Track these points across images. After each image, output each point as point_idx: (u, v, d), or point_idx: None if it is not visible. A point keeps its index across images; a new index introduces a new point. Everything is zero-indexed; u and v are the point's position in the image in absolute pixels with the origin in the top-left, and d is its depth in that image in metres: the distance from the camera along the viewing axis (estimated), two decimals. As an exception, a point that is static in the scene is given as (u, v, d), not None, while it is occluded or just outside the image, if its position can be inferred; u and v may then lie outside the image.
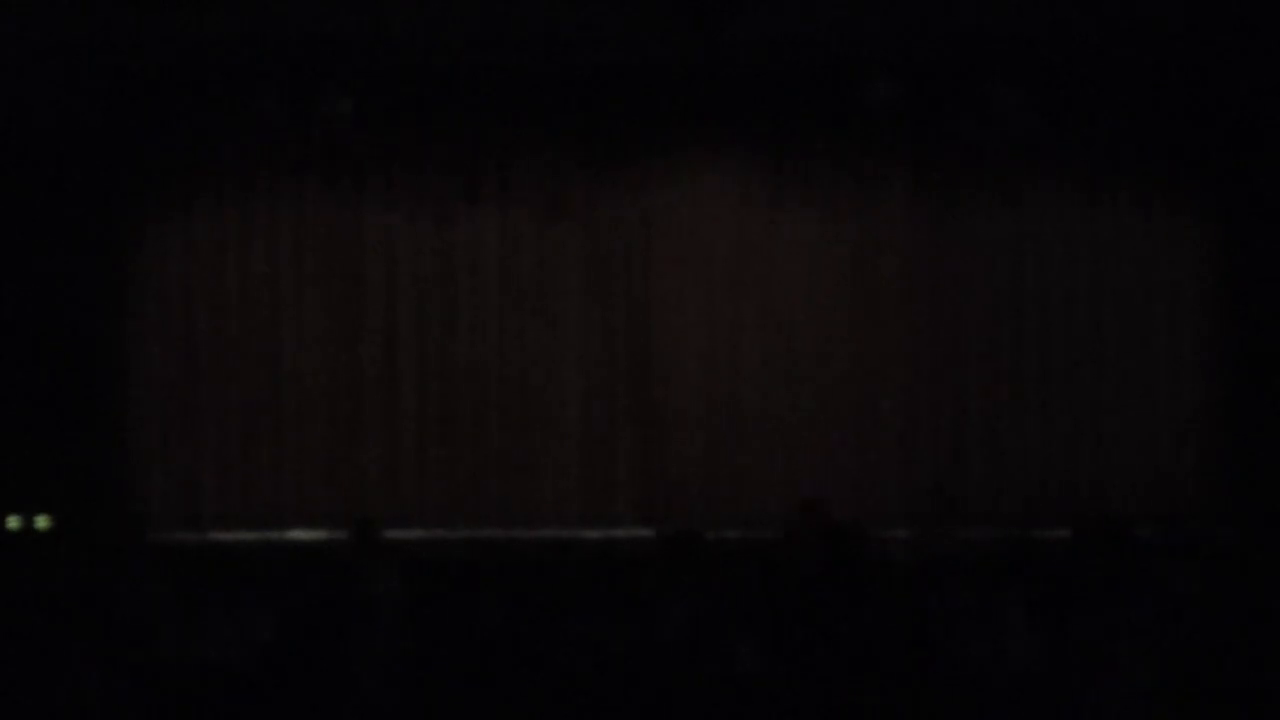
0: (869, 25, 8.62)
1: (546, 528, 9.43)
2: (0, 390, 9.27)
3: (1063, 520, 8.14)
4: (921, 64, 9.22)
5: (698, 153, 9.77)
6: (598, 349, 9.76)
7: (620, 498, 9.68)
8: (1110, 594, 5.07)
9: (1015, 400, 9.72)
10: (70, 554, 8.04)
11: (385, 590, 5.99)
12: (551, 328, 9.76)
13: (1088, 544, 5.96)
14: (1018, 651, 4.50)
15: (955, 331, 9.73)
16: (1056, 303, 9.75)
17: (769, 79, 9.50)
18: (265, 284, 9.77)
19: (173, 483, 9.64)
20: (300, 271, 9.78)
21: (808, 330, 9.74)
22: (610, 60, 9.27)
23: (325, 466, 9.66)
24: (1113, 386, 9.72)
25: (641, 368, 9.75)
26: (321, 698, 4.21)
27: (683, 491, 9.58)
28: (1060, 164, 9.72)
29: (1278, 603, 5.21)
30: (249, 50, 8.98)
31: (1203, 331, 9.73)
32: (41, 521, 8.92)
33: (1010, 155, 9.61)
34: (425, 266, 9.79)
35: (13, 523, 8.85)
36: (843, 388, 9.71)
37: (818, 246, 9.77)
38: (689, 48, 8.86)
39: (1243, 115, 9.49)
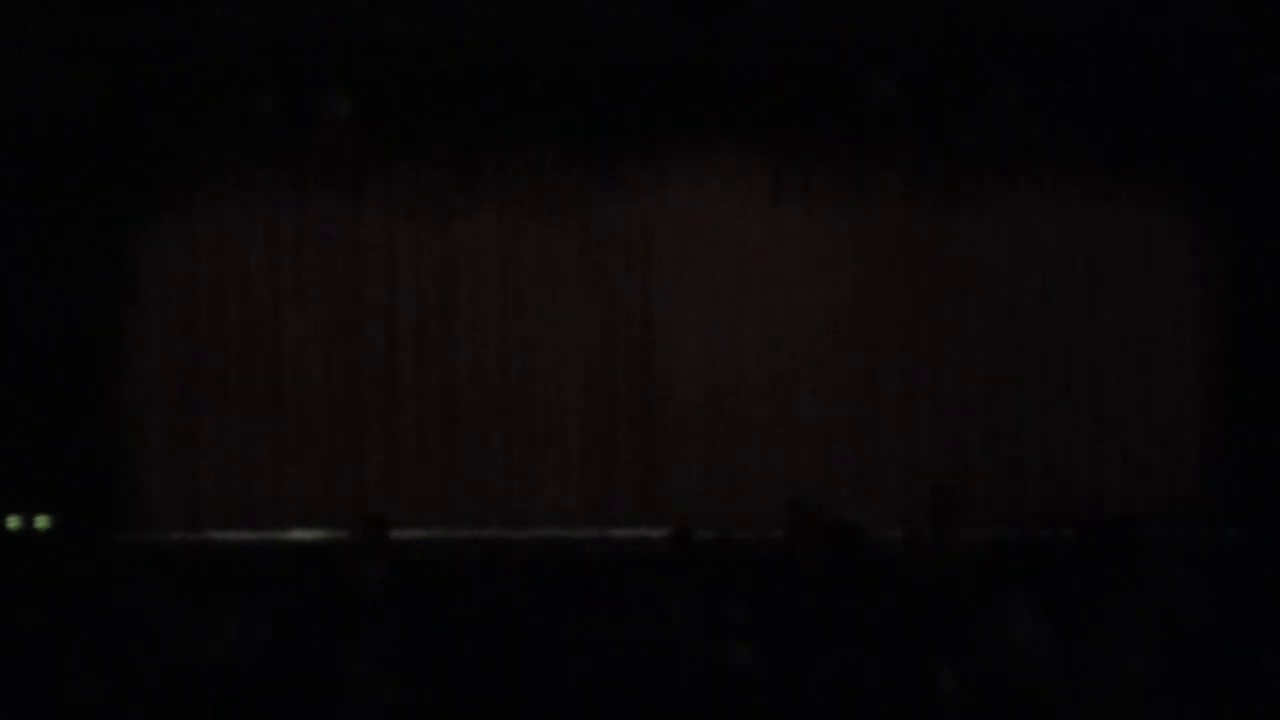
0: (869, 25, 8.63)
1: (546, 528, 9.43)
2: (0, 390, 9.27)
3: (1063, 520, 8.16)
4: (921, 64, 9.22)
5: (698, 152, 9.76)
6: (598, 349, 9.77)
7: (620, 498, 9.68)
8: (1112, 594, 5.07)
9: (1015, 400, 9.72)
10: (70, 554, 8.04)
11: (384, 589, 5.99)
12: (551, 328, 9.76)
13: (1090, 544, 5.97)
14: (1019, 651, 4.50)
15: (955, 331, 9.73)
16: (1056, 302, 9.75)
17: (769, 79, 9.49)
18: (265, 284, 9.77)
19: (173, 483, 9.64)
20: (300, 271, 9.78)
21: (807, 330, 9.74)
22: (610, 60, 9.27)
23: (325, 466, 9.67)
24: (1113, 386, 9.72)
25: (642, 368, 9.75)
26: (320, 697, 4.21)
27: (683, 491, 9.58)
28: (1060, 164, 9.72)
29: (1278, 603, 5.21)
30: (249, 50, 8.98)
31: (1203, 331, 9.73)
32: (41, 521, 8.92)
33: (1010, 155, 9.62)
34: (425, 266, 9.79)
35: (13, 523, 8.85)
36: (842, 387, 9.72)
37: (818, 246, 9.77)
38: (689, 48, 8.86)
39: (1243, 115, 9.49)
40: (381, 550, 6.68)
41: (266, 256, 9.78)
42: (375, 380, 9.74)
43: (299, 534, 9.43)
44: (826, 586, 5.39)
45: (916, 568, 6.53)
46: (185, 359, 9.71)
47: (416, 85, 9.51)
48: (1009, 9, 8.40)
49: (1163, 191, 9.79)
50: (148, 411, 9.68)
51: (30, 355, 9.31)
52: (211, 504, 9.63)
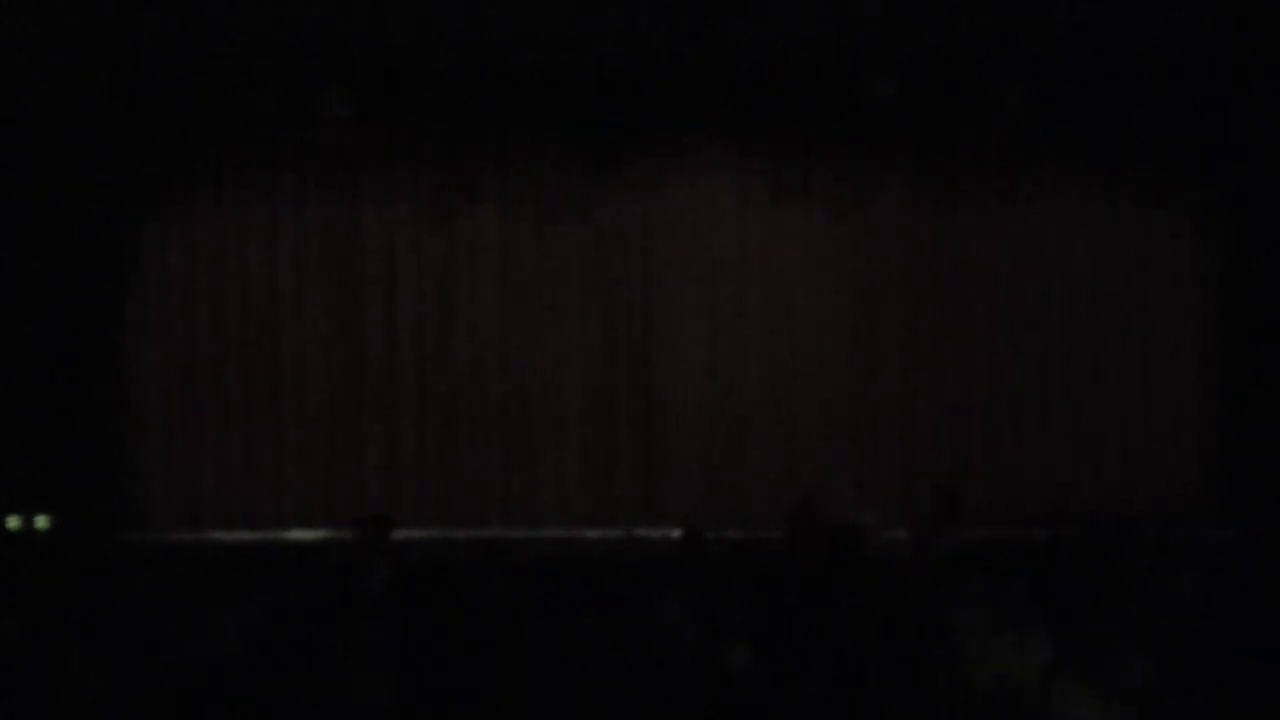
0: (869, 24, 8.63)
1: (547, 528, 9.42)
2: (0, 390, 9.27)
3: (1063, 520, 8.16)
4: (921, 63, 9.22)
5: (698, 152, 9.76)
6: (598, 349, 9.76)
7: (620, 498, 9.68)
8: (1112, 594, 5.07)
9: (1015, 400, 9.72)
10: (70, 554, 8.05)
11: (385, 589, 5.99)
12: (552, 327, 9.76)
13: (1090, 544, 5.97)
14: (1019, 652, 4.50)
15: (955, 331, 9.73)
16: (1056, 302, 9.75)
17: (769, 79, 9.49)
18: (265, 284, 9.77)
19: (173, 483, 9.64)
20: (300, 271, 9.78)
21: (808, 330, 9.74)
22: (610, 60, 9.27)
23: (325, 466, 9.66)
24: (1113, 386, 9.72)
25: (642, 367, 9.75)
26: (319, 697, 4.21)
27: (683, 491, 9.58)
28: (1060, 164, 9.73)
29: (1278, 603, 5.21)
30: (249, 50, 8.99)
31: (1203, 331, 9.73)
32: (41, 521, 8.92)
33: (1010, 155, 9.62)
34: (425, 266, 9.79)
35: (13, 523, 8.86)
36: (843, 387, 9.72)
37: (818, 246, 9.77)
38: (689, 48, 8.86)
39: (1243, 115, 9.49)
40: (383, 550, 6.69)
41: (266, 256, 9.78)
42: (375, 380, 9.74)
43: (299, 534, 9.43)
44: (826, 586, 5.39)
45: (917, 568, 6.53)
46: (185, 359, 9.71)
47: (416, 85, 9.51)
48: (1009, 9, 8.40)
49: (1163, 191, 9.79)
50: (148, 411, 9.68)
51: (30, 355, 9.31)
52: (211, 504, 9.62)
